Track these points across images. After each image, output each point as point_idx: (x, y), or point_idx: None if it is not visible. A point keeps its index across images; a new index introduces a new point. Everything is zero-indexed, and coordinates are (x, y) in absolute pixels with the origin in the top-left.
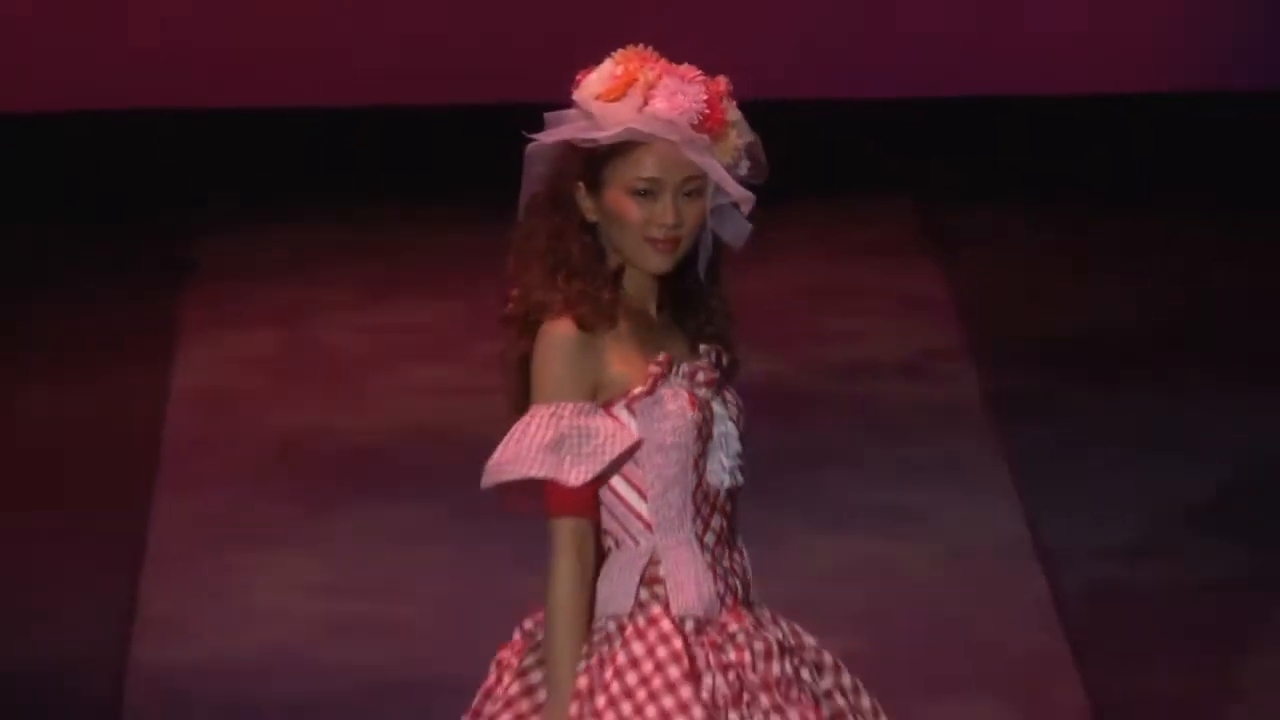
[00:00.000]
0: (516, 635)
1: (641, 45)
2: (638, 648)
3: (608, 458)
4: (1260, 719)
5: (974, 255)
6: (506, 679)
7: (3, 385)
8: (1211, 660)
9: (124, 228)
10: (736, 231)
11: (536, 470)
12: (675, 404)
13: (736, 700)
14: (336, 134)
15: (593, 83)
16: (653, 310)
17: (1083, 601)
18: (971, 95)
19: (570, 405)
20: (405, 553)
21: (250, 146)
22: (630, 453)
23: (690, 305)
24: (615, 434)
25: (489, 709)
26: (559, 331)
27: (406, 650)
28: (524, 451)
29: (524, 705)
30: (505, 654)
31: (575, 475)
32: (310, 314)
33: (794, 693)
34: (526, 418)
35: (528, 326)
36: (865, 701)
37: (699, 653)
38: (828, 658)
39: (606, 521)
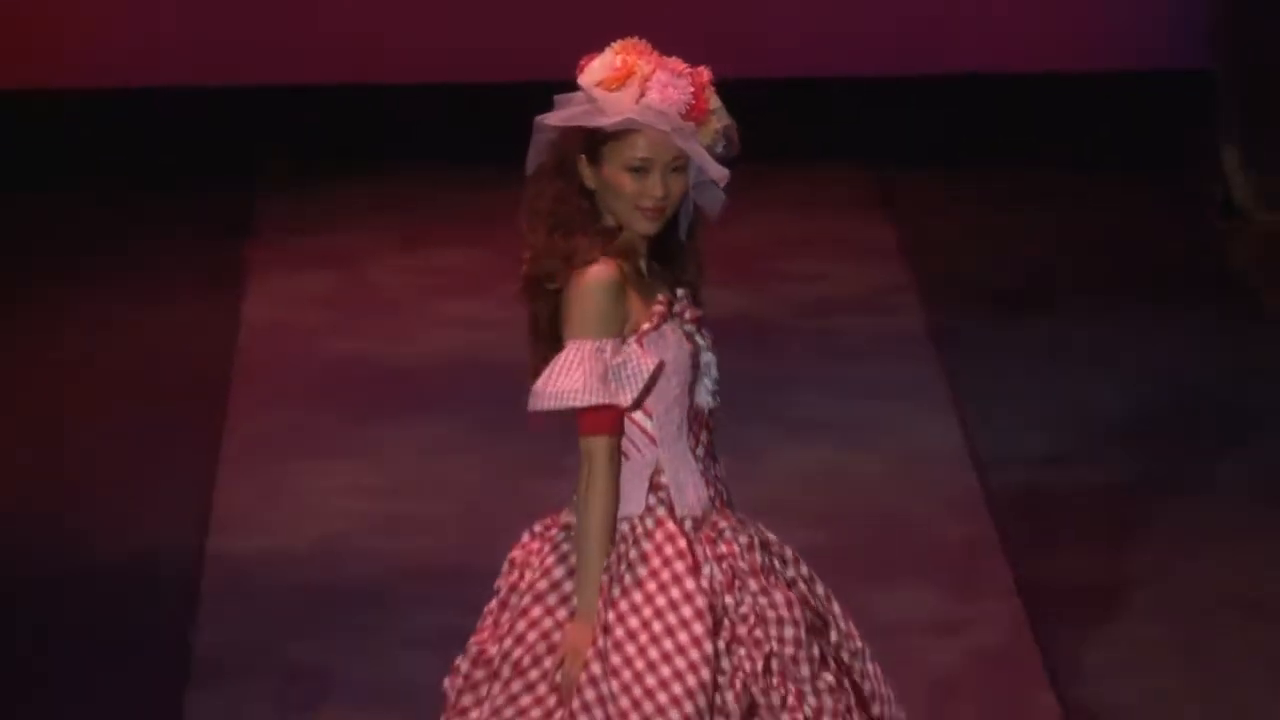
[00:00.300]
0: (526, 536)
1: (636, 38)
2: (648, 545)
3: (643, 382)
4: (1156, 594)
5: (917, 211)
6: (529, 575)
7: (100, 311)
8: (1118, 548)
9: (201, 187)
10: (713, 201)
11: (596, 398)
12: (674, 337)
13: (730, 585)
14: (373, 108)
15: (595, 70)
16: (642, 263)
17: (1008, 499)
18: (920, 74)
19: (610, 341)
20: (437, 460)
21: (302, 119)
22: (656, 377)
23: (670, 258)
24: (644, 362)
25: (515, 601)
26: (602, 275)
27: (439, 541)
28: (583, 383)
29: (551, 599)
30: (518, 553)
31: (623, 399)
32: (355, 259)
33: (773, 578)
34: (572, 352)
35: (537, 286)
36: (820, 589)
37: (698, 547)
38: (788, 551)
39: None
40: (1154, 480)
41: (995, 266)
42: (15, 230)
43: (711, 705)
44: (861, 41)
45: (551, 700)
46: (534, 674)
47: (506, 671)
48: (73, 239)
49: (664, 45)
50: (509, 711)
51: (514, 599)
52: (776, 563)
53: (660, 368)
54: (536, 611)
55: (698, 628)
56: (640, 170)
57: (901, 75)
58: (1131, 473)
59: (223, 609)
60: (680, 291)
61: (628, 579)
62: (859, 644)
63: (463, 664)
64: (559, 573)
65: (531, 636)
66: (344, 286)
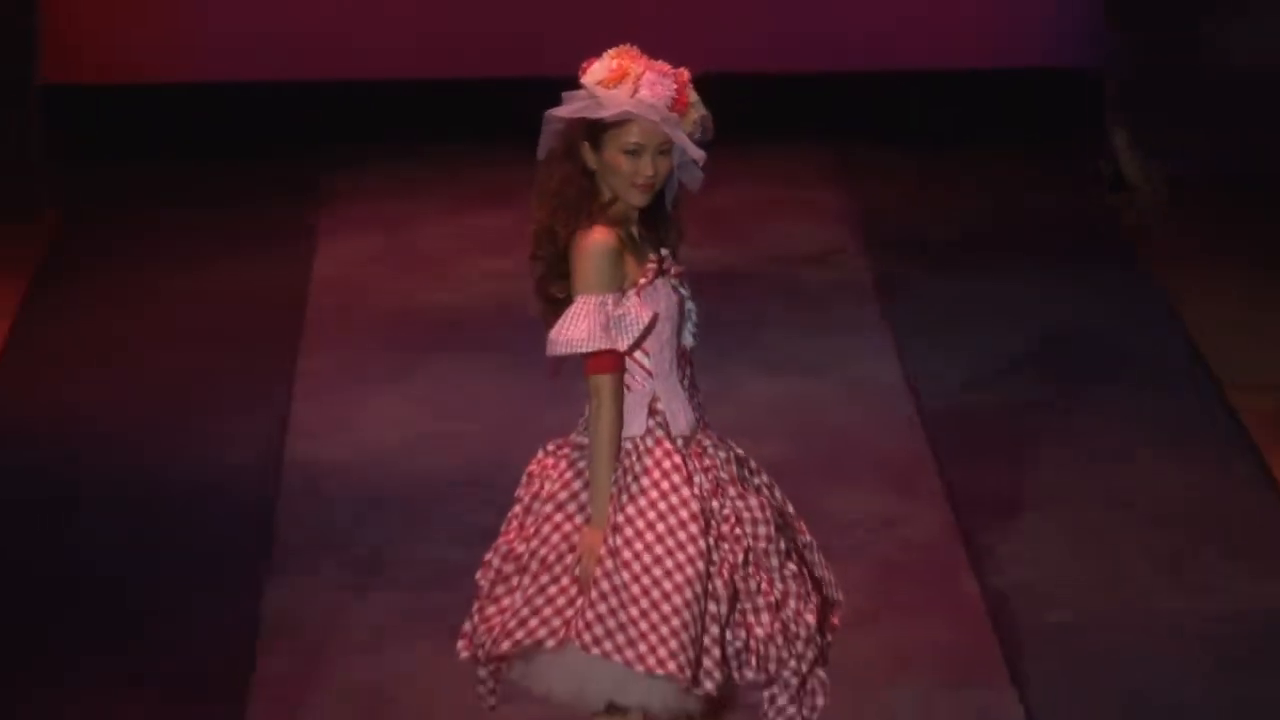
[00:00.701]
0: (541, 454)
1: (629, 44)
2: (649, 461)
3: (639, 331)
4: (1056, 497)
5: (864, 183)
6: (549, 486)
7: (199, 268)
8: (1026, 460)
9: (281, 166)
10: (693, 178)
11: (599, 345)
12: (665, 290)
13: (714, 492)
14: (420, 99)
15: (596, 71)
16: (634, 229)
17: (937, 420)
18: (867, 70)
19: (610, 296)
20: (470, 388)
21: (363, 109)
22: (651, 326)
23: (656, 224)
24: (640, 313)
25: (538, 508)
26: (601, 240)
27: (471, 454)
28: (588, 332)
29: (571, 507)
30: (535, 467)
31: (621, 344)
32: (405, 224)
33: (746, 486)
34: (580, 305)
35: (541, 250)
36: (778, 493)
37: (689, 461)
38: (752, 462)
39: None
40: (1055, 404)
41: (929, 229)
42: (131, 199)
43: (705, 590)
44: (819, 42)
45: (574, 590)
46: (558, 569)
47: (535, 566)
48: (177, 207)
49: (651, 46)
50: (539, 600)
51: (537, 506)
52: (746, 472)
53: (655, 319)
54: (558, 517)
55: (693, 527)
56: (634, 153)
57: (851, 70)
58: (1037, 398)
59: (297, 507)
60: (664, 251)
61: (633, 488)
62: (808, 538)
63: (494, 559)
64: (576, 485)
65: (555, 538)
66: (395, 247)
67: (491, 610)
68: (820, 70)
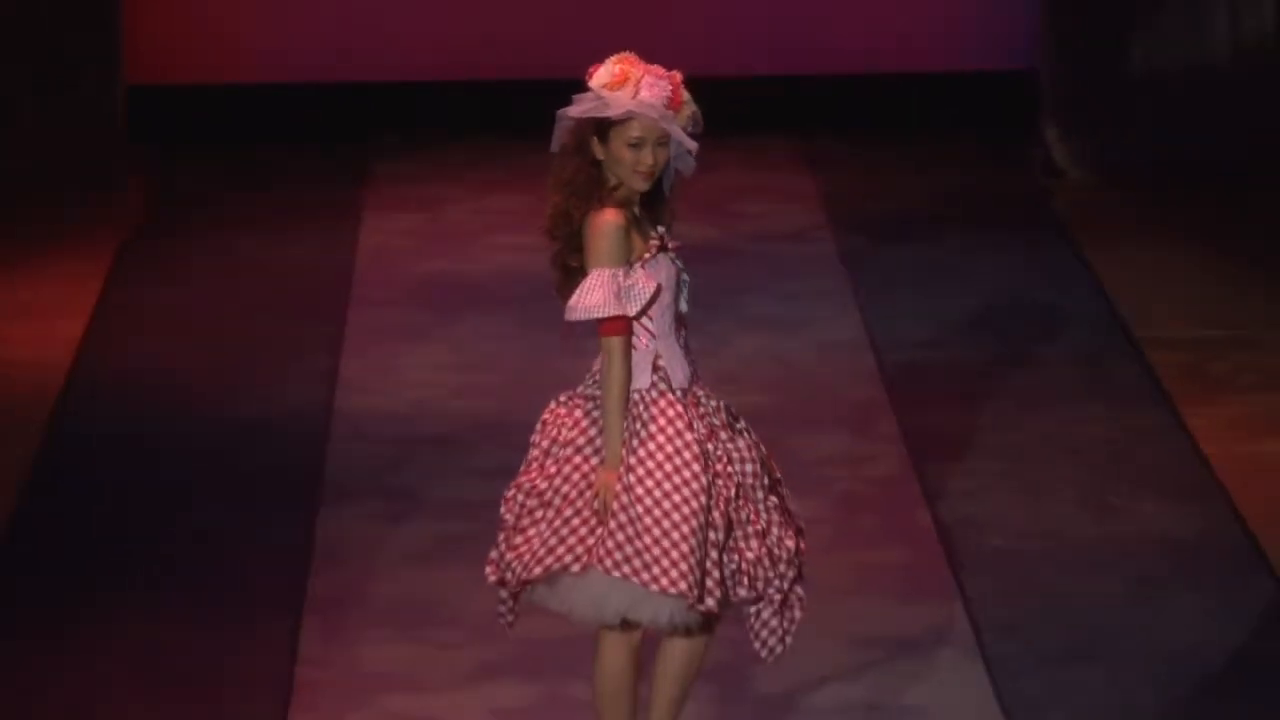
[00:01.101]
0: (553, 404)
1: (630, 51)
2: (654, 410)
3: (645, 300)
4: (999, 439)
5: (832, 170)
6: (566, 433)
7: (260, 240)
8: (972, 407)
9: (333, 154)
10: (687, 165)
11: (613, 311)
12: (665, 262)
13: (710, 436)
14: (452, 98)
15: (601, 75)
16: (636, 210)
17: (895, 371)
18: (835, 73)
19: (621, 269)
20: (494, 344)
21: (403, 106)
22: (656, 295)
23: (654, 206)
24: (646, 283)
25: (557, 451)
26: (612, 219)
27: (495, 402)
28: (603, 300)
29: (587, 450)
30: (548, 415)
31: (630, 310)
32: (438, 203)
33: (734, 430)
34: (594, 277)
35: (556, 230)
36: (754, 436)
37: (688, 410)
38: (733, 409)
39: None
40: (998, 359)
41: (886, 209)
42: (205, 183)
43: (707, 520)
44: (794, 50)
45: (593, 522)
46: (579, 503)
47: (558, 502)
48: (245, 190)
49: (646, 51)
50: (564, 530)
51: (556, 450)
52: (731, 418)
53: (659, 289)
54: (577, 459)
55: (695, 466)
56: (636, 146)
57: (820, 74)
58: (983, 353)
59: (344, 447)
60: (660, 229)
61: (642, 434)
62: (778, 474)
63: (517, 496)
64: (592, 432)
65: (575, 476)
66: (430, 222)
67: (519, 540)
68: (793, 73)
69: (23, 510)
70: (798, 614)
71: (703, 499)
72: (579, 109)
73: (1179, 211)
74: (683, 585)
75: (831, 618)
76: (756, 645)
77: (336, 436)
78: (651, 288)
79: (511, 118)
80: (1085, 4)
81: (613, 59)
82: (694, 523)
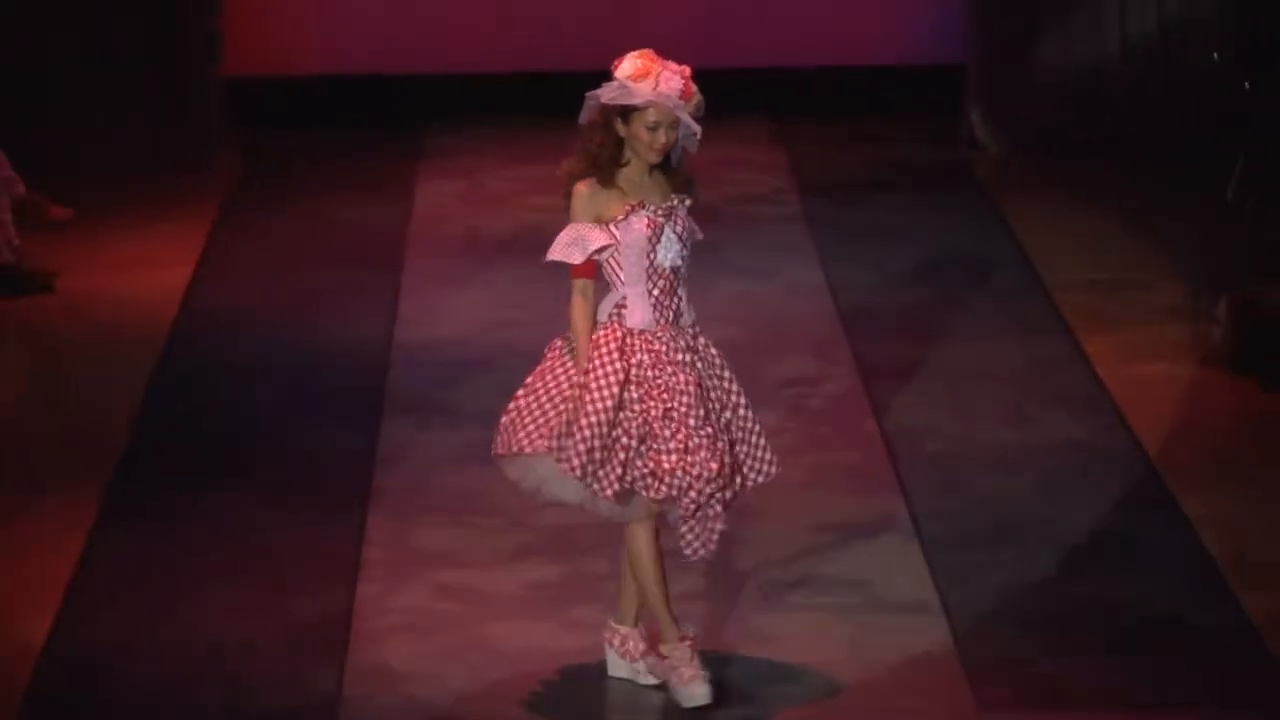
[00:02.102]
0: (558, 341)
1: (649, 49)
2: (599, 338)
3: (588, 250)
4: (935, 366)
5: (798, 144)
6: (560, 362)
7: (329, 202)
8: (914, 340)
9: (394, 133)
10: (692, 144)
11: (556, 256)
12: (638, 223)
13: (654, 364)
14: (491, 87)
15: (625, 68)
16: (648, 179)
17: (850, 311)
18: (804, 65)
19: (582, 224)
20: (523, 288)
21: (452, 94)
22: (606, 246)
23: (669, 176)
24: (599, 237)
25: (554, 374)
26: (581, 187)
27: (525, 335)
28: (559, 246)
29: (573, 372)
30: (553, 348)
31: (574, 257)
32: (478, 171)
33: (685, 368)
34: (564, 230)
35: (566, 194)
36: (727, 373)
37: (637, 343)
38: (713, 351)
39: (609, 278)
40: (934, 299)
41: (841, 176)
42: (288, 158)
43: (613, 420)
44: (769, 44)
45: (567, 410)
46: (547, 404)
47: (530, 400)
48: (320, 161)
49: (650, 45)
50: (553, 413)
51: (552, 375)
52: (696, 360)
53: (610, 245)
54: (563, 377)
55: (614, 385)
56: (653, 128)
57: (791, 66)
58: (923, 295)
59: (402, 370)
60: (674, 198)
61: (591, 356)
62: (738, 415)
63: (522, 399)
64: (569, 359)
65: (551, 386)
66: (471, 188)
67: (504, 420)
68: (769, 66)
69: (140, 418)
70: (718, 526)
71: (611, 409)
72: (608, 94)
73: (1079, 178)
74: (575, 462)
75: (794, 508)
76: (682, 545)
77: (396, 362)
78: (601, 241)
79: (537, 102)
80: (1004, 9)
81: (634, 54)
82: (597, 425)
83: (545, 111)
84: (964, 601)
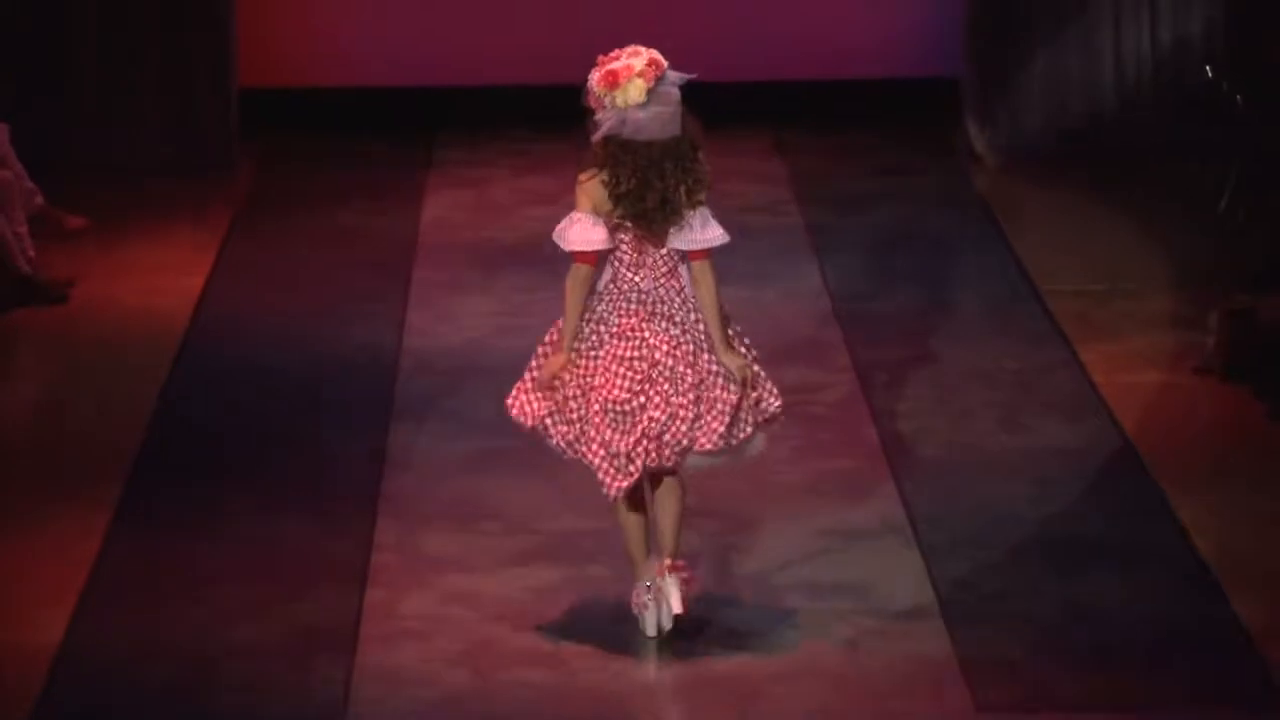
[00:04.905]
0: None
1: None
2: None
3: (578, 240)
4: (928, 370)
5: (798, 156)
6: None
7: (341, 210)
8: (909, 342)
9: (406, 145)
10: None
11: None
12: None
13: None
14: (497, 100)
15: (595, 83)
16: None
17: (845, 313)
18: (803, 79)
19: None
20: (528, 295)
21: (462, 106)
22: (596, 238)
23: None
24: (593, 230)
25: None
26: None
27: (531, 342)
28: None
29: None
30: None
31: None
32: (485, 183)
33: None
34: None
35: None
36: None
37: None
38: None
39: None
40: (931, 306)
41: (840, 186)
42: (302, 167)
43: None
44: (771, 59)
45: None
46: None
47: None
48: (333, 171)
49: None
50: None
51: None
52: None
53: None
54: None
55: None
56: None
57: (790, 79)
58: (918, 301)
59: (411, 375)
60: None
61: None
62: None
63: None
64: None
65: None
66: (478, 198)
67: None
68: (769, 80)
69: (154, 423)
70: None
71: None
72: (604, 129)
73: (1071, 190)
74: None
75: (795, 513)
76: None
77: (404, 368)
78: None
79: (540, 117)
80: (999, 26)
81: (595, 70)
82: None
83: (551, 124)
84: (962, 605)
